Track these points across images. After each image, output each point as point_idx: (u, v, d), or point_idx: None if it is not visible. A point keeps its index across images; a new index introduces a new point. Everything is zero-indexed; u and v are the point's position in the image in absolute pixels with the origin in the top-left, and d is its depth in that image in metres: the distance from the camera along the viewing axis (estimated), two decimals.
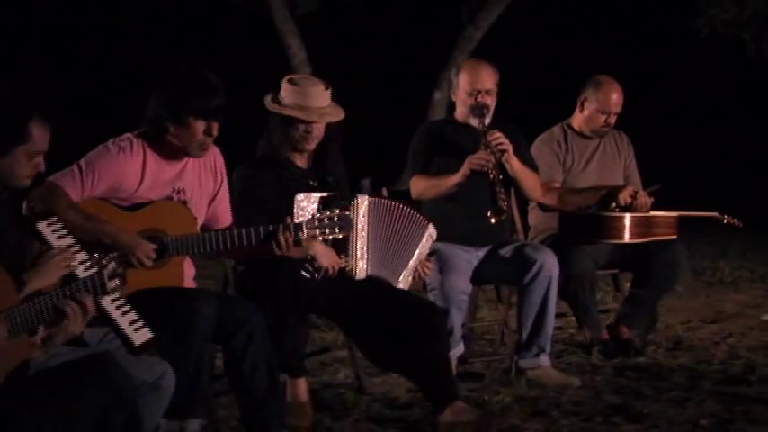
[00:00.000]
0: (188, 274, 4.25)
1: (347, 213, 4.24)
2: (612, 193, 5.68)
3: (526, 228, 5.85)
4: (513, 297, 5.55)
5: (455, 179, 5.22)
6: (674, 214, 5.77)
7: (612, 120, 5.84)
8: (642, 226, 5.65)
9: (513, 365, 5.34)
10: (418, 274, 4.89)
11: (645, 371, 5.40)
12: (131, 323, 3.44)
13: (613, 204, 5.66)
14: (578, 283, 5.55)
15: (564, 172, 5.81)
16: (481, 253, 5.36)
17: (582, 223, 5.69)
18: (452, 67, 5.62)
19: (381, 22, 14.20)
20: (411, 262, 4.81)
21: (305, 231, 4.18)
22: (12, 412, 2.92)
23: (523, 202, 5.77)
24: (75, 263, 3.33)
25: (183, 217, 4.18)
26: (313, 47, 11.48)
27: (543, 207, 5.74)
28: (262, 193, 4.65)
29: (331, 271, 4.56)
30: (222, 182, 4.37)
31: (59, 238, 3.44)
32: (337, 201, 4.54)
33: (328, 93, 4.67)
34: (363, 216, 4.70)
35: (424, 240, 4.86)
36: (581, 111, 5.87)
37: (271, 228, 4.15)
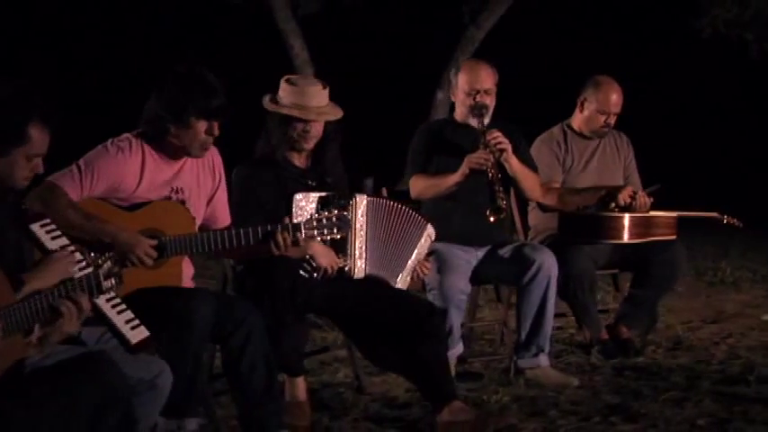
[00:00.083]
0: (186, 273, 4.26)
1: (345, 214, 4.25)
2: (612, 193, 5.69)
3: (526, 228, 5.86)
4: (512, 297, 5.56)
5: (454, 178, 5.23)
6: (674, 214, 5.77)
7: (612, 120, 5.84)
8: (641, 226, 5.65)
9: (512, 365, 5.35)
10: (417, 274, 4.90)
11: (644, 371, 5.40)
12: (127, 322, 3.45)
13: (613, 204, 5.67)
14: (578, 283, 5.56)
15: (563, 172, 5.82)
16: (480, 253, 5.37)
17: (581, 223, 5.70)
18: (454, 67, 5.62)
19: (384, 23, 14.21)
20: (409, 262, 4.82)
21: (303, 232, 4.19)
22: (7, 411, 2.93)
23: (523, 202, 5.78)
24: (76, 267, 3.34)
25: (182, 217, 4.20)
26: (315, 47, 11.49)
27: (543, 207, 5.75)
28: (261, 193, 4.67)
29: (330, 271, 4.57)
30: (220, 181, 4.39)
31: (53, 239, 3.45)
32: (336, 200, 4.55)
33: (326, 92, 4.69)
34: (362, 215, 4.72)
35: (422, 240, 4.87)
36: (581, 111, 5.88)
37: (269, 228, 4.16)
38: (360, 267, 4.69)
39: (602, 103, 5.79)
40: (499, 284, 5.70)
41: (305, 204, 4.62)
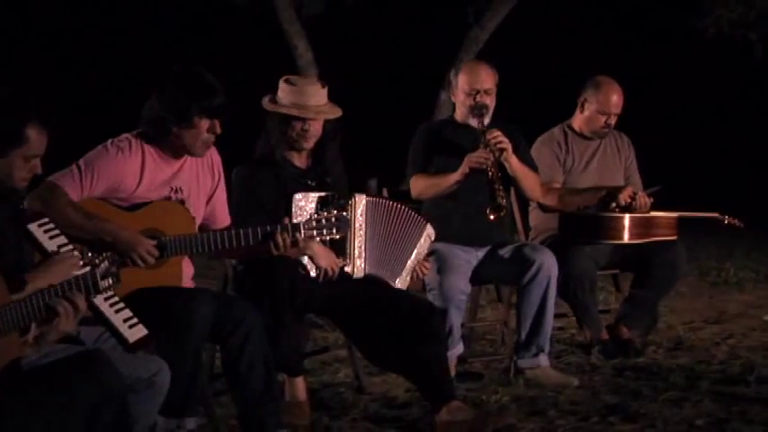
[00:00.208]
0: (186, 273, 4.28)
1: (344, 214, 4.27)
2: (612, 193, 5.70)
3: (527, 228, 5.88)
4: (513, 297, 5.56)
5: (454, 177, 5.24)
6: (674, 215, 5.78)
7: (612, 120, 5.85)
8: (642, 226, 5.66)
9: (512, 365, 5.35)
10: (417, 274, 4.92)
11: (644, 371, 5.41)
12: (125, 321, 3.46)
13: (613, 205, 5.68)
14: (578, 284, 5.57)
15: (564, 173, 5.83)
16: (481, 253, 5.38)
17: (581, 224, 5.70)
18: (456, 68, 5.64)
19: (387, 24, 14.22)
20: (409, 262, 4.84)
21: (302, 232, 4.21)
22: (3, 410, 2.95)
23: (524, 202, 5.79)
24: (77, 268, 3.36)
25: (182, 217, 4.21)
26: (319, 48, 11.51)
27: (544, 208, 5.76)
28: (261, 193, 4.69)
29: (330, 273, 4.58)
30: (219, 180, 4.41)
31: (51, 238, 3.46)
32: (335, 200, 4.56)
33: (324, 91, 4.72)
34: (361, 215, 4.73)
35: (422, 240, 4.88)
36: (581, 111, 5.89)
37: (268, 228, 4.18)
38: (359, 267, 4.70)
39: (602, 103, 5.80)
40: (499, 284, 5.71)
41: (304, 204, 4.64)
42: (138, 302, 3.66)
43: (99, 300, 3.33)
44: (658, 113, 14.34)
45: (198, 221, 4.31)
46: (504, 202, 5.22)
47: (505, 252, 5.35)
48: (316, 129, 4.70)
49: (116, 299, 3.46)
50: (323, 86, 4.72)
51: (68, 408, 2.99)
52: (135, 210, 4.13)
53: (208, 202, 4.37)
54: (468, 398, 4.88)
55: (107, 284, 3.14)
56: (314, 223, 4.22)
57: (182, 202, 4.23)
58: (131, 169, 4.13)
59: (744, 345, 6.10)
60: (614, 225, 5.64)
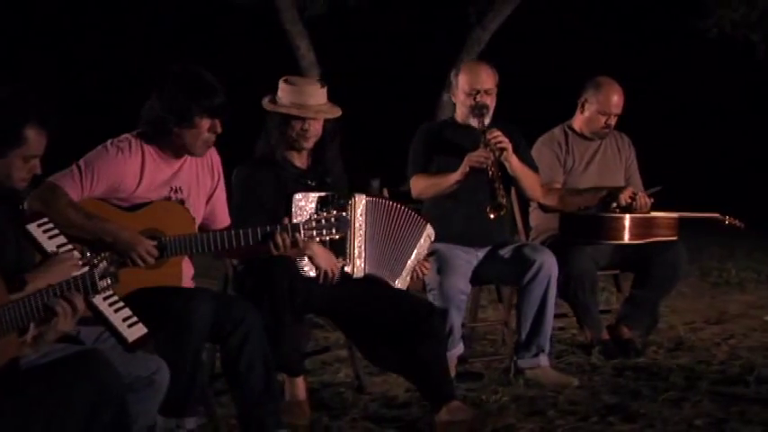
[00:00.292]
0: (186, 273, 4.29)
1: (344, 214, 4.28)
2: (612, 193, 5.71)
3: (528, 229, 5.89)
4: (513, 297, 5.57)
5: (454, 177, 5.25)
6: (675, 215, 5.78)
7: (613, 121, 5.86)
8: (642, 227, 5.67)
9: (512, 365, 5.36)
10: (417, 275, 4.92)
11: (644, 371, 5.41)
12: (124, 320, 3.46)
13: (614, 205, 5.69)
14: (578, 284, 5.58)
15: (565, 173, 5.84)
16: (481, 253, 5.39)
17: (582, 224, 5.71)
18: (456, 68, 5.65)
19: (389, 24, 14.23)
20: (409, 262, 4.84)
21: (302, 232, 4.22)
22: (2, 409, 2.96)
23: (525, 203, 5.80)
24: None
25: (182, 217, 4.23)
26: (321, 49, 11.52)
27: (544, 208, 5.77)
28: (261, 193, 4.70)
29: (330, 275, 4.58)
30: (219, 180, 4.42)
31: (50, 238, 3.47)
32: (335, 200, 4.57)
33: (324, 91, 4.73)
34: (361, 215, 4.74)
35: (422, 241, 4.89)
36: (581, 112, 5.90)
37: (268, 228, 4.19)
38: (359, 267, 4.71)
39: (602, 104, 5.80)
40: (500, 285, 5.72)
41: (304, 204, 4.65)
42: (138, 302, 3.67)
43: (98, 299, 3.33)
44: (660, 114, 14.34)
45: (198, 221, 4.32)
46: (504, 200, 5.22)
47: (505, 252, 5.36)
48: (315, 128, 4.71)
49: (115, 298, 3.47)
50: (322, 86, 4.74)
51: (67, 407, 3.00)
52: (135, 210, 4.14)
53: (207, 202, 4.38)
54: (468, 398, 4.88)
55: (105, 284, 3.15)
56: (313, 223, 4.23)
57: (181, 201, 4.25)
58: (131, 169, 4.15)
59: (744, 345, 6.10)
60: (615, 225, 5.65)
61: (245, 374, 4.12)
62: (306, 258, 4.57)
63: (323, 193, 4.68)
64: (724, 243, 10.47)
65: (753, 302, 7.69)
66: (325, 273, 4.57)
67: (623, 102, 5.84)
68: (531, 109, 9.10)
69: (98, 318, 3.43)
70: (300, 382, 4.67)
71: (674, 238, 5.76)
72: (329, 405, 4.88)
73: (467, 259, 5.30)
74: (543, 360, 5.31)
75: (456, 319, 5.17)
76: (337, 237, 4.32)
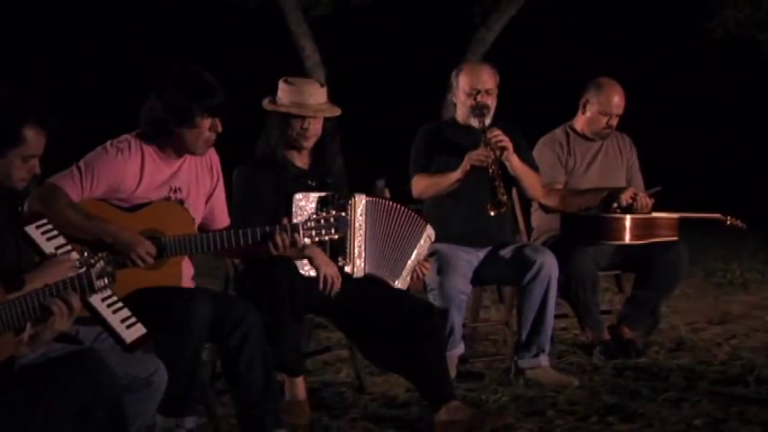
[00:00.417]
0: (186, 273, 4.30)
1: (344, 214, 4.29)
2: (613, 194, 5.71)
3: (529, 229, 5.90)
4: (514, 298, 5.57)
5: (455, 176, 5.26)
6: (676, 215, 5.79)
7: (614, 121, 5.86)
8: (643, 227, 5.67)
9: (512, 365, 5.37)
10: (417, 275, 4.93)
11: (644, 371, 5.41)
12: (123, 320, 3.47)
13: (615, 205, 5.69)
14: (579, 284, 5.58)
15: (566, 174, 5.84)
16: (482, 254, 5.40)
17: (583, 224, 5.72)
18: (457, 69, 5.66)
19: (394, 25, 14.24)
20: (409, 262, 4.85)
21: (301, 232, 4.22)
22: None
23: (526, 203, 5.80)
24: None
25: (181, 217, 4.24)
26: (326, 49, 11.52)
27: (545, 208, 5.77)
28: (261, 193, 4.71)
29: (330, 281, 4.58)
30: (218, 180, 4.43)
31: (49, 239, 3.48)
32: (335, 200, 4.59)
33: (323, 90, 4.75)
34: (361, 215, 4.75)
35: (422, 241, 4.89)
36: (583, 112, 5.90)
37: (268, 229, 4.21)
38: (359, 267, 4.72)
39: (603, 104, 5.81)
40: (500, 285, 5.72)
41: (305, 204, 4.66)
42: (138, 302, 3.68)
43: (95, 299, 3.34)
44: (663, 114, 14.32)
45: (197, 221, 4.33)
46: (504, 198, 5.23)
47: (506, 252, 5.36)
48: (315, 128, 4.72)
49: (114, 298, 3.47)
50: (322, 86, 4.76)
51: (62, 405, 3.01)
52: (135, 210, 4.15)
53: (207, 202, 4.39)
54: (468, 398, 4.89)
55: (102, 284, 3.15)
56: (313, 223, 4.24)
57: (181, 202, 4.26)
58: (131, 170, 4.16)
59: (746, 345, 6.10)
60: (616, 226, 5.66)
61: (245, 374, 4.13)
62: (306, 259, 4.57)
63: (323, 193, 4.69)
64: (728, 243, 10.44)
65: (756, 303, 7.68)
66: (325, 278, 4.57)
67: (624, 102, 5.85)
68: (534, 109, 9.10)
69: (95, 318, 3.44)
70: (300, 381, 4.68)
71: (675, 239, 5.76)
72: (329, 405, 4.89)
73: (467, 259, 5.31)
74: (543, 360, 5.31)
75: (456, 320, 5.18)
76: (337, 237, 4.33)
